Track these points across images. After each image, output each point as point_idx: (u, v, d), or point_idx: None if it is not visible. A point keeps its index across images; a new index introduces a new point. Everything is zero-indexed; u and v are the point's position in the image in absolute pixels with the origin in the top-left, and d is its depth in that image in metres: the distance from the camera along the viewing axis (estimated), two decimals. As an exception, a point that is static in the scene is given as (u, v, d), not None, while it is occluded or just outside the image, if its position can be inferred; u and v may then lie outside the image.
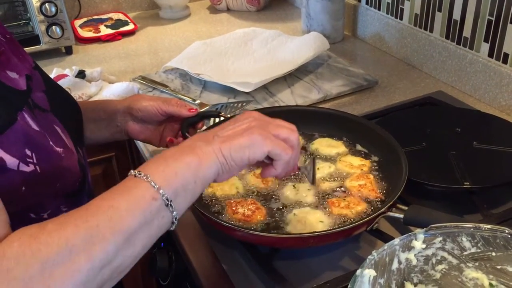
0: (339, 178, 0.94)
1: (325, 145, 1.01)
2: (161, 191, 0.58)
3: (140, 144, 1.18)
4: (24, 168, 0.65)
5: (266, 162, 0.70)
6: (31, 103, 0.72)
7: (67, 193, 0.73)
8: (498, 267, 0.65)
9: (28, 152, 0.66)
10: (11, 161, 0.63)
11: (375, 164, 0.97)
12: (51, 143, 0.70)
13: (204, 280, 0.82)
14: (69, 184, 0.72)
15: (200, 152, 0.62)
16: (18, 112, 0.67)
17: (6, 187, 0.63)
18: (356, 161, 0.96)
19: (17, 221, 0.56)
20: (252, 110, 1.07)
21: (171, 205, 0.58)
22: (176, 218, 0.60)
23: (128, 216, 0.56)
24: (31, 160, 0.66)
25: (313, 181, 0.81)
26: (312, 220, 0.83)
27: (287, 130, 0.70)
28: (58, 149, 0.71)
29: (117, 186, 0.59)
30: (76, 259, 0.52)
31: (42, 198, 0.68)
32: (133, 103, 0.98)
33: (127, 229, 0.55)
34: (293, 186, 0.91)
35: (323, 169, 0.95)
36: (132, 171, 0.60)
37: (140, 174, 0.59)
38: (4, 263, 0.49)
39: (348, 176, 0.93)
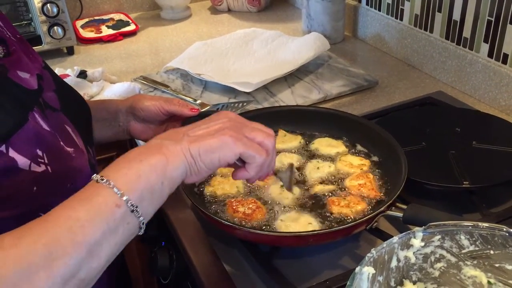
0: (337, 178, 0.94)
1: (325, 145, 1.02)
2: (124, 197, 0.55)
3: (141, 144, 1.19)
4: (36, 168, 0.64)
5: (239, 165, 0.67)
6: (42, 102, 0.72)
7: None
8: (496, 265, 0.66)
9: (39, 152, 0.65)
10: (22, 161, 0.63)
11: (375, 163, 0.97)
12: (61, 143, 0.70)
13: (204, 278, 0.82)
14: (80, 184, 0.72)
15: (167, 151, 0.60)
16: (29, 112, 0.67)
17: (17, 187, 0.62)
18: (356, 160, 0.97)
19: (28, 222, 0.55)
20: (252, 109, 1.08)
21: (136, 210, 0.56)
22: (143, 223, 0.57)
23: (89, 227, 0.52)
24: (42, 160, 0.65)
25: (289, 187, 0.81)
26: (301, 223, 0.83)
27: (263, 134, 0.67)
28: (68, 149, 0.70)
29: (78, 194, 0.56)
30: (36, 278, 0.49)
31: (53, 198, 0.68)
32: (135, 102, 0.98)
33: (89, 240, 0.52)
34: (281, 186, 0.90)
35: (323, 169, 0.96)
36: (94, 175, 0.57)
37: (102, 179, 0.56)
38: None
39: (347, 176, 0.94)
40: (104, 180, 0.55)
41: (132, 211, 0.55)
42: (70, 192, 0.70)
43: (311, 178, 0.94)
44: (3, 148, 0.61)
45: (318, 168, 0.96)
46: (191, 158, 0.61)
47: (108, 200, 0.54)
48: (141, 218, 0.57)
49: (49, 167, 0.66)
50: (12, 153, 0.62)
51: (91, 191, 0.56)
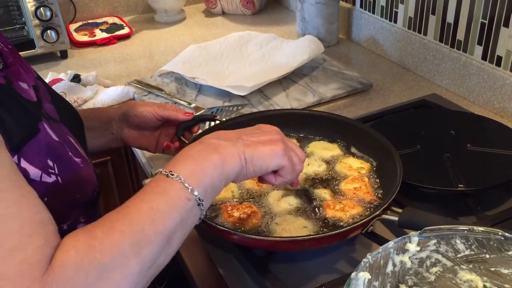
0: (332, 180, 0.94)
1: (321, 148, 1.02)
2: (195, 192, 0.60)
3: (137, 151, 1.18)
4: (47, 179, 0.65)
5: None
6: (45, 113, 0.72)
7: (85, 203, 0.73)
8: (492, 269, 0.66)
9: (50, 163, 0.66)
10: (34, 172, 0.63)
11: (372, 167, 0.97)
12: (70, 153, 0.70)
13: (200, 284, 0.82)
14: (88, 194, 0.73)
15: (224, 151, 0.65)
16: (39, 122, 0.67)
17: None
18: (356, 163, 0.97)
19: None
20: (247, 113, 1.08)
21: (202, 204, 0.61)
22: (203, 214, 0.63)
23: (168, 217, 0.58)
24: (53, 171, 0.66)
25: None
26: (296, 227, 0.83)
27: (298, 158, 0.74)
28: (76, 159, 0.71)
29: (150, 187, 0.61)
30: (128, 263, 0.54)
31: (63, 208, 0.68)
32: (129, 109, 0.98)
33: (168, 230, 0.58)
34: (281, 196, 0.90)
35: (312, 167, 0.96)
36: (162, 170, 0.62)
37: (172, 174, 0.60)
38: (65, 272, 0.51)
39: (343, 179, 0.94)
40: (175, 176, 0.60)
41: (199, 204, 0.61)
42: (78, 203, 0.71)
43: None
44: (15, 159, 0.62)
45: (308, 164, 0.96)
46: (245, 161, 0.67)
47: (181, 194, 0.60)
48: (203, 210, 0.62)
49: (59, 178, 0.67)
50: (24, 164, 0.63)
51: (164, 185, 0.60)
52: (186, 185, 0.60)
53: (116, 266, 0.54)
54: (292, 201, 0.89)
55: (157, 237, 0.57)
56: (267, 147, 0.69)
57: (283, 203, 0.88)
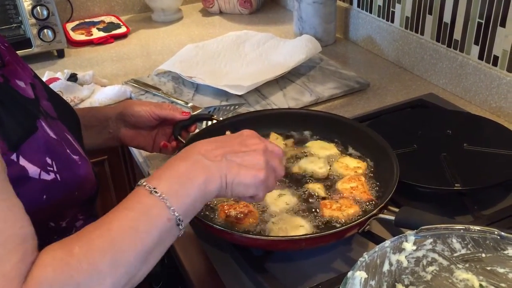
0: (330, 179, 0.94)
1: (318, 147, 1.02)
2: (176, 213, 0.60)
3: (133, 151, 1.18)
4: (45, 176, 0.65)
5: None
6: (43, 111, 0.72)
7: (84, 201, 0.73)
8: (488, 268, 0.66)
9: (49, 161, 0.66)
10: (32, 170, 0.63)
11: (369, 166, 0.97)
12: (68, 151, 0.70)
13: (197, 283, 0.82)
14: (86, 191, 0.73)
15: (208, 172, 0.64)
16: (37, 120, 0.67)
17: (28, 197, 0.62)
18: (353, 162, 0.97)
19: (37, 231, 0.57)
20: (244, 112, 1.08)
21: (181, 224, 0.61)
22: (181, 234, 0.63)
23: (148, 238, 0.58)
24: (52, 169, 0.66)
25: None
26: (293, 226, 0.83)
27: (274, 179, 0.72)
28: (75, 157, 0.71)
29: (133, 202, 0.60)
30: (104, 282, 0.54)
31: (61, 206, 0.69)
32: (126, 109, 0.98)
33: (147, 249, 0.58)
34: (278, 195, 0.90)
35: (316, 163, 0.96)
36: (146, 184, 0.61)
37: (156, 192, 0.60)
38: None
39: (339, 178, 0.94)
40: (159, 194, 0.60)
41: (178, 224, 0.61)
42: (77, 200, 0.70)
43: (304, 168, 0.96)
44: (13, 157, 0.62)
45: (312, 162, 0.97)
46: (225, 184, 0.66)
47: (162, 214, 0.60)
48: (182, 230, 0.62)
49: (58, 175, 0.67)
50: (22, 162, 0.63)
51: (147, 202, 0.60)
52: (168, 204, 0.60)
53: (91, 285, 0.53)
54: (289, 201, 0.89)
55: (134, 257, 0.57)
56: (249, 173, 0.67)
57: (280, 202, 0.88)
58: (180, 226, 0.61)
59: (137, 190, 0.61)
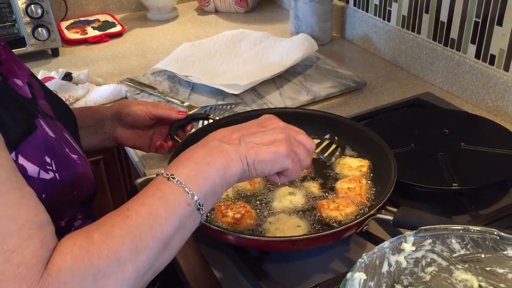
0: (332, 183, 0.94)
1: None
2: (195, 197, 0.60)
3: (129, 150, 1.17)
4: (44, 175, 0.65)
5: None
6: (40, 110, 0.71)
7: (83, 200, 0.72)
8: (488, 268, 0.66)
9: (48, 160, 0.66)
10: (31, 169, 0.63)
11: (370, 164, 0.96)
12: (67, 150, 0.70)
13: (193, 284, 0.81)
14: (85, 190, 0.72)
15: (227, 156, 0.64)
16: (36, 119, 0.67)
17: None
18: (355, 162, 0.96)
19: None
20: (241, 111, 1.08)
21: (202, 208, 0.61)
22: (203, 219, 0.63)
23: (166, 223, 0.58)
24: (51, 168, 0.66)
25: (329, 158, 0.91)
26: (290, 226, 0.82)
27: (305, 151, 0.71)
28: (73, 155, 0.71)
29: (151, 190, 0.60)
30: (124, 269, 0.54)
31: (60, 206, 0.68)
32: (122, 108, 0.97)
33: (166, 236, 0.58)
34: (289, 193, 0.90)
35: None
36: (163, 172, 0.61)
37: (173, 178, 0.60)
38: (61, 277, 0.51)
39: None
40: (176, 179, 0.60)
41: (199, 209, 0.61)
42: (76, 199, 0.70)
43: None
44: (12, 155, 0.61)
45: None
46: (247, 166, 0.65)
47: (181, 199, 0.60)
48: (203, 215, 0.62)
49: (57, 174, 0.66)
50: (21, 161, 0.62)
51: (165, 189, 0.60)
52: (187, 189, 0.60)
53: (112, 271, 0.53)
54: (295, 201, 0.88)
55: (154, 243, 0.57)
56: (269, 150, 0.67)
57: (285, 200, 0.88)
58: (201, 211, 0.61)
59: (156, 179, 0.62)
